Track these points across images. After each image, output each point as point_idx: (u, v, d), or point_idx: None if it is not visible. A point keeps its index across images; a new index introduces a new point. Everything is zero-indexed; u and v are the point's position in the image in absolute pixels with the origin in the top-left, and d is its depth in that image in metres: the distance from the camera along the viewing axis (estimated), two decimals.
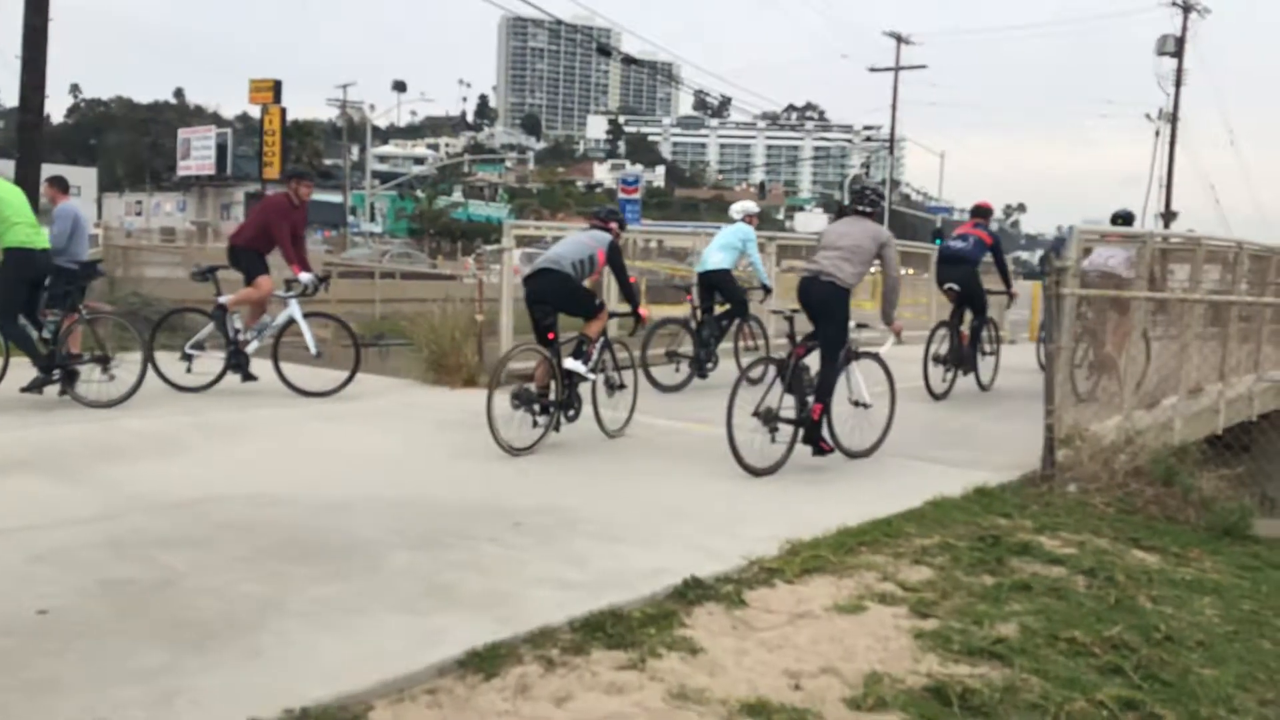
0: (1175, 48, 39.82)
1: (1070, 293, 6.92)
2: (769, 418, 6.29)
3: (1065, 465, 6.49)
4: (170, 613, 3.57)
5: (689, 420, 8.06)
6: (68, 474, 5.59)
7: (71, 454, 6.01)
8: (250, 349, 8.60)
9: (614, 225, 7.52)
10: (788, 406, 6.42)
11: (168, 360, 8.51)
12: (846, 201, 7.74)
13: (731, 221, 10.48)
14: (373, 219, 63.51)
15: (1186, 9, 39.63)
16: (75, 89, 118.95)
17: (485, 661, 3.26)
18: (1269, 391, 10.74)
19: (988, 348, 10.29)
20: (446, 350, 8.87)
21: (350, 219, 58.52)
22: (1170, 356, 8.66)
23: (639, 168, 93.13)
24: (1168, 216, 39.53)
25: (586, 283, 7.44)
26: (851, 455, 6.80)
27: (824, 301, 6.57)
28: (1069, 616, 4.02)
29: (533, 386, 6.91)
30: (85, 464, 5.82)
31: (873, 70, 49.55)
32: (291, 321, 8.64)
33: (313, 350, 8.74)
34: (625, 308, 7.69)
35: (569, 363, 7.02)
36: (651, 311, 9.81)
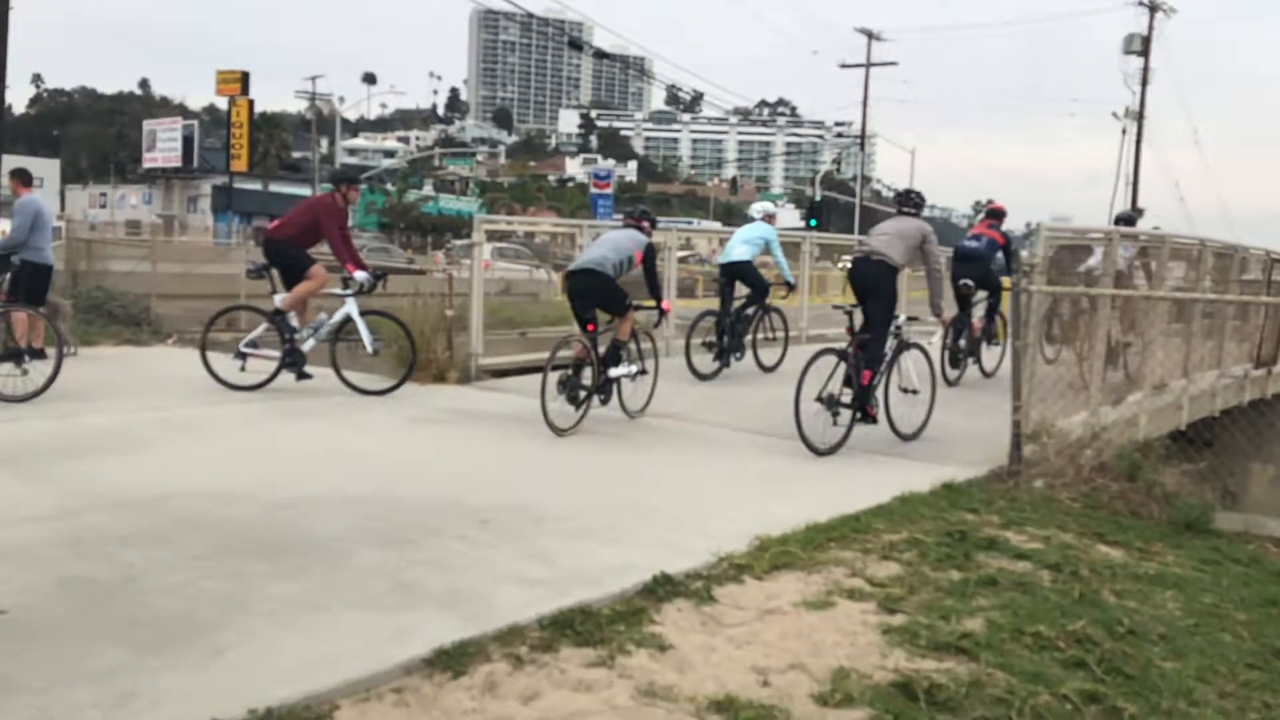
0: (1141, 47, 40.32)
1: (1037, 290, 6.98)
2: (831, 403, 6.86)
3: (1032, 461, 6.55)
4: (130, 612, 3.52)
5: (659, 416, 8.06)
6: (27, 470, 5.49)
7: (31, 450, 5.91)
8: (306, 347, 8.53)
9: (646, 225, 8.16)
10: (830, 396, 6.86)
11: (217, 358, 8.46)
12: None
13: (751, 220, 11.29)
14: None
15: (1153, 8, 40.13)
16: (37, 79, 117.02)
17: (453, 660, 3.24)
18: (1231, 387, 10.91)
19: (997, 339, 10.91)
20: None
21: None
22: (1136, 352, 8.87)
23: (611, 162, 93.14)
24: (1134, 214, 40.00)
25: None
26: (904, 438, 7.40)
27: (876, 278, 7.25)
28: (1034, 611, 4.05)
29: (572, 372, 7.47)
30: (45, 460, 5.72)
31: (844, 66, 49.71)
32: (348, 320, 8.60)
33: (369, 348, 8.70)
34: (650, 301, 8.13)
35: (613, 371, 7.73)
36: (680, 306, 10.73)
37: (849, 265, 7.76)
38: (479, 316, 9.89)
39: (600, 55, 49.60)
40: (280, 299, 8.52)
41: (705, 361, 10.23)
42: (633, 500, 5.44)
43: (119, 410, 7.28)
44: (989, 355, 10.82)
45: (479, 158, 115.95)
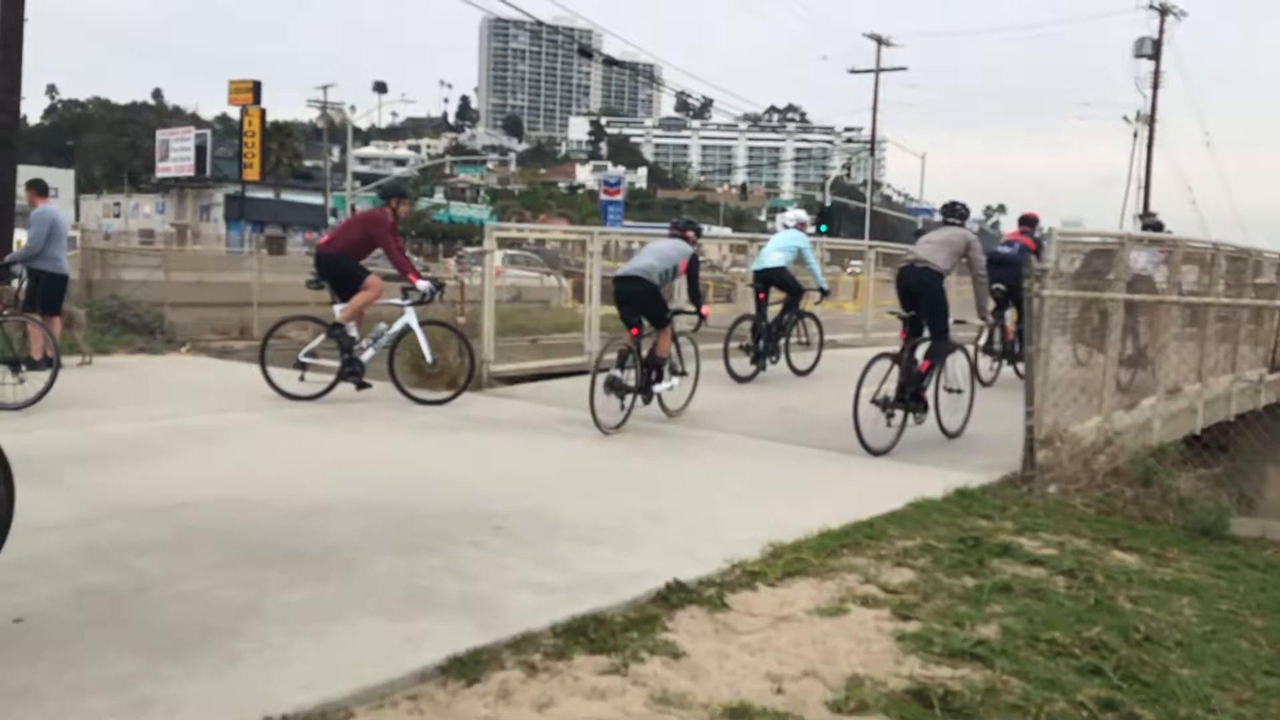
0: (1152, 50, 40.16)
1: (1049, 294, 6.96)
2: (886, 404, 7.17)
3: (1045, 466, 6.52)
4: (146, 619, 3.53)
5: (673, 421, 8.06)
6: (44, 479, 5.51)
7: (47, 459, 5.94)
8: (365, 357, 8.57)
9: (690, 234, 8.49)
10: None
11: (276, 368, 8.51)
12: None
13: (785, 228, 11.71)
14: None
15: (1163, 12, 40.00)
16: (52, 90, 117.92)
17: (467, 667, 3.24)
18: (1246, 392, 10.85)
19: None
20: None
21: (331, 220, 58.19)
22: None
23: (621, 169, 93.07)
24: (1146, 218, 39.82)
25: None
26: (949, 435, 7.80)
27: (923, 284, 7.59)
28: (1049, 617, 4.04)
29: (618, 373, 7.78)
30: (61, 469, 5.75)
31: (853, 72, 49.74)
32: (408, 330, 8.66)
33: (428, 358, 8.80)
34: (690, 307, 8.49)
35: (657, 387, 8.09)
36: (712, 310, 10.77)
37: (897, 274, 8.26)
38: (490, 323, 9.92)
39: (610, 62, 49.67)
40: (338, 311, 8.57)
41: (743, 364, 10.58)
42: (646, 506, 5.43)
43: (134, 418, 7.32)
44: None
45: (489, 165, 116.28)
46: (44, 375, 7.71)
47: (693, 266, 8.29)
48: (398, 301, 8.73)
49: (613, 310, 8.05)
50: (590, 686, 3.19)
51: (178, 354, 12.00)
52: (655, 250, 8.27)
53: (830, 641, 3.68)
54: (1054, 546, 5.11)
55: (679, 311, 8.39)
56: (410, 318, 8.65)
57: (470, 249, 19.27)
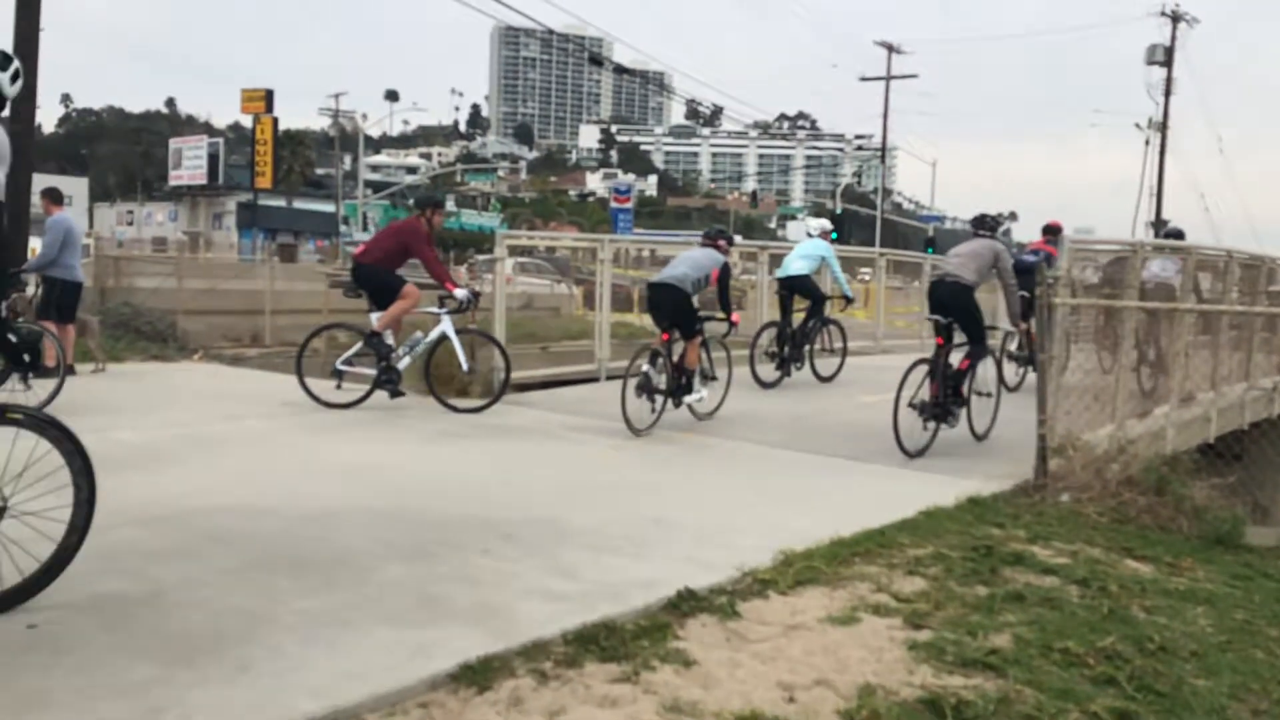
0: (1164, 57, 40.08)
1: (1061, 302, 6.94)
2: (923, 409, 7.46)
3: (1058, 474, 6.49)
4: (159, 626, 3.54)
5: (682, 430, 8.06)
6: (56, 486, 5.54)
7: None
8: (402, 365, 8.61)
9: (723, 244, 8.75)
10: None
11: (311, 374, 8.60)
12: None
13: (809, 236, 11.90)
14: (365, 228, 63.36)
15: (1175, 19, 39.92)
16: (66, 98, 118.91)
17: (478, 675, 3.24)
18: (1260, 400, 10.78)
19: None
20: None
21: (343, 228, 58.42)
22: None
23: (631, 177, 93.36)
24: (1158, 225, 39.70)
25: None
26: (978, 438, 8.08)
27: (954, 298, 7.82)
28: (1062, 627, 4.01)
29: (650, 372, 7.95)
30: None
31: (864, 79, 49.71)
32: (444, 338, 8.72)
33: (464, 366, 8.87)
34: (721, 314, 8.68)
35: (687, 398, 8.29)
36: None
37: (928, 287, 8.62)
38: (502, 331, 9.93)
39: (620, 70, 49.80)
40: (375, 319, 8.60)
41: (768, 370, 10.86)
42: (656, 514, 5.42)
43: (147, 426, 7.34)
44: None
45: (500, 173, 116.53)
46: (52, 384, 7.74)
47: (724, 275, 8.52)
48: (435, 310, 8.80)
49: (622, 318, 8.12)
50: (601, 695, 3.19)
51: (190, 361, 12.06)
52: (689, 259, 8.51)
53: (842, 650, 3.66)
54: (1067, 555, 5.08)
55: (710, 318, 8.56)
56: (447, 326, 8.71)
57: (481, 257, 19.32)
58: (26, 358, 3.67)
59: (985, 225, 8.39)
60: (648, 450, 7.36)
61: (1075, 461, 6.62)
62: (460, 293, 8.67)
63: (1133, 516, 6.06)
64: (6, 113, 3.81)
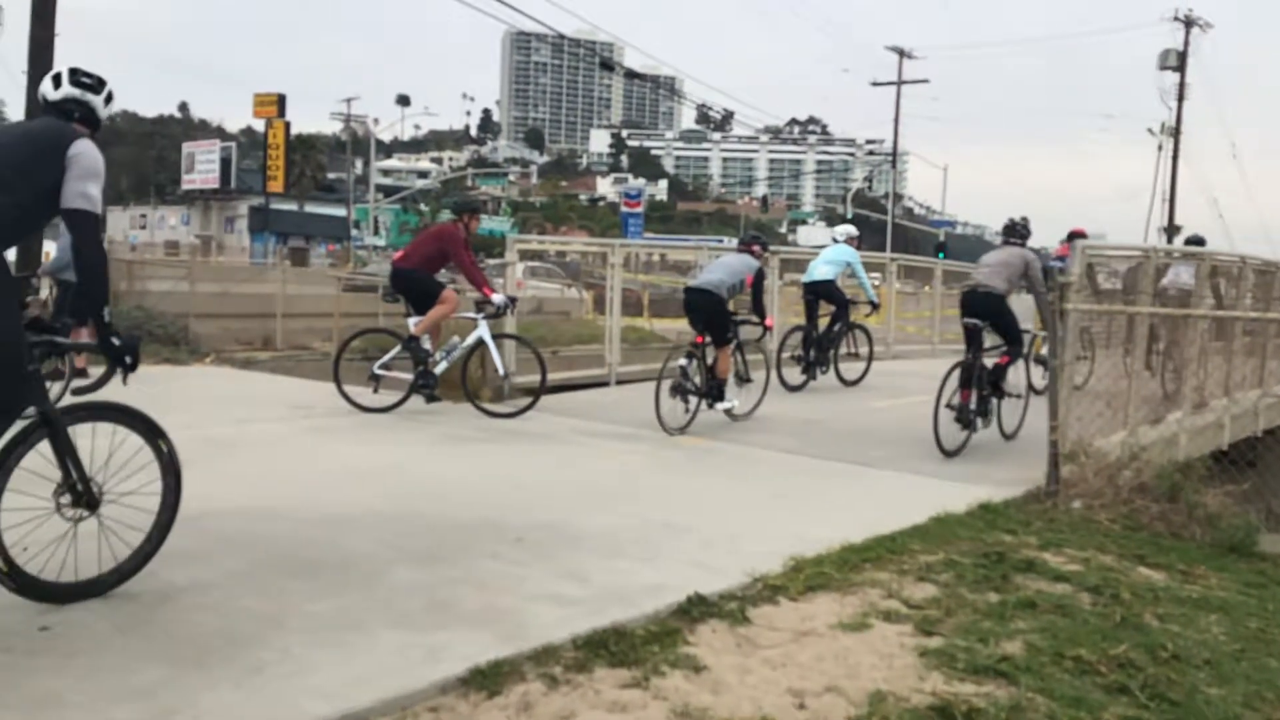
0: (1177, 62, 39.90)
1: (1074, 308, 6.91)
2: (960, 412, 7.74)
3: (1070, 481, 6.46)
4: (170, 629, 3.55)
5: (692, 434, 8.05)
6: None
7: None
8: (439, 370, 8.66)
9: (757, 248, 9.01)
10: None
11: (348, 379, 8.62)
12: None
13: (835, 242, 12.03)
14: (376, 232, 63.64)
15: (1188, 24, 39.75)
16: None
17: (488, 679, 3.24)
18: (1275, 406, 10.71)
19: (1083, 352, 11.22)
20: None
21: (354, 232, 58.63)
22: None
23: (642, 181, 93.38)
24: (1171, 231, 39.53)
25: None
26: (1007, 437, 8.23)
27: (987, 307, 8.01)
28: (1074, 634, 3.99)
29: (687, 366, 8.18)
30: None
31: (875, 85, 49.65)
32: (481, 343, 8.77)
33: (501, 371, 8.94)
34: (755, 318, 8.91)
35: (719, 406, 8.46)
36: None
37: (961, 297, 8.73)
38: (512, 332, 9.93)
39: (631, 75, 49.86)
40: (413, 324, 8.64)
41: (793, 374, 11.02)
42: (666, 519, 5.42)
43: None
44: (1079, 368, 11.04)
45: (511, 178, 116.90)
46: (80, 383, 7.79)
47: (758, 280, 8.73)
48: (472, 315, 8.85)
49: (632, 322, 8.13)
50: (611, 700, 3.19)
51: (202, 364, 12.10)
52: (724, 265, 8.76)
53: (853, 657, 3.65)
54: (1079, 562, 5.05)
55: (745, 321, 8.76)
56: (484, 331, 8.76)
57: (492, 261, 19.33)
58: (128, 360, 3.89)
59: (1015, 233, 8.47)
60: (657, 455, 7.35)
61: (1087, 468, 6.59)
62: (498, 298, 8.73)
63: (1145, 523, 6.02)
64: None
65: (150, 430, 4.05)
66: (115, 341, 3.84)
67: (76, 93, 3.91)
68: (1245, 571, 5.40)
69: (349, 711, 2.96)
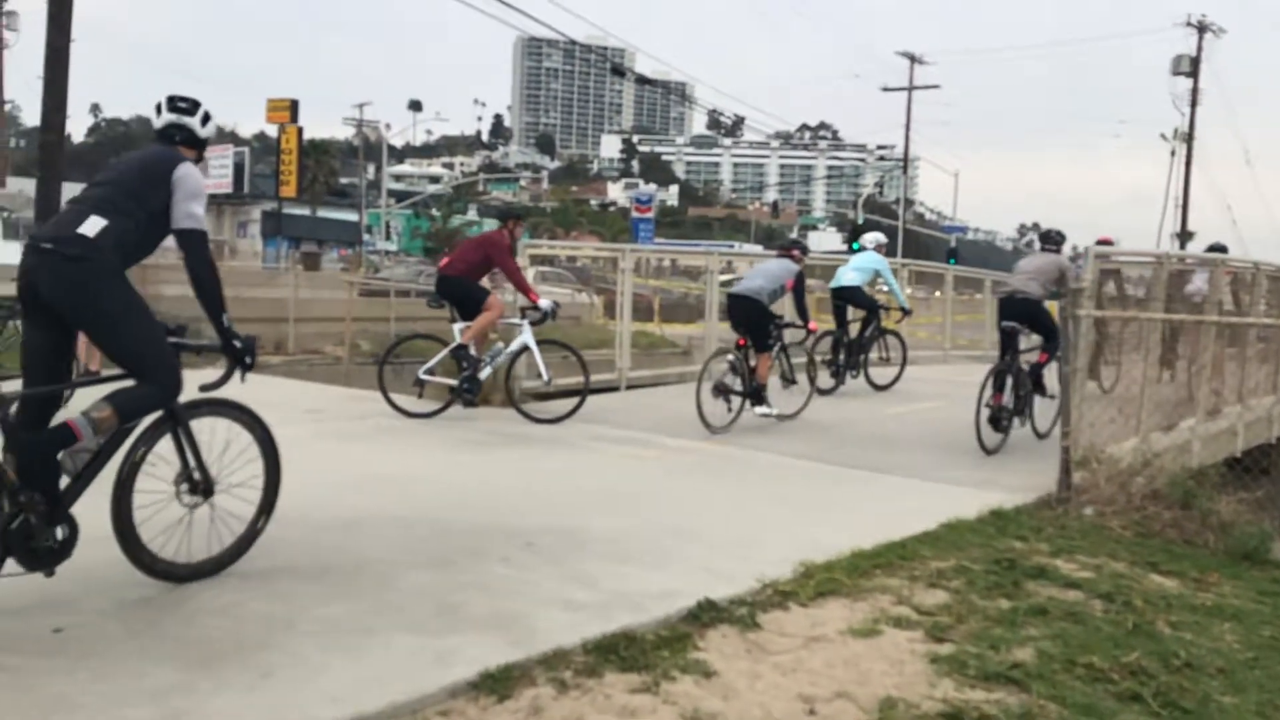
0: (1190, 68, 39.77)
1: (1086, 314, 6.89)
2: (996, 413, 7.99)
3: (1081, 487, 6.43)
4: (181, 632, 3.57)
5: (699, 439, 8.04)
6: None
7: None
8: (483, 375, 8.71)
9: (796, 253, 9.18)
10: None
11: (393, 383, 8.70)
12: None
13: (863, 249, 12.16)
14: (388, 237, 63.80)
15: (1201, 29, 39.62)
16: (96, 108, 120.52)
17: (498, 683, 3.25)
18: None
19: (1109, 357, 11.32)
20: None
21: (366, 237, 58.76)
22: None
23: (653, 187, 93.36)
24: (1184, 237, 39.35)
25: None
26: (1040, 436, 8.41)
27: (1024, 313, 8.29)
28: (1086, 641, 3.97)
29: (729, 369, 8.45)
30: (99, 481, 5.81)
31: (886, 90, 49.65)
32: (525, 348, 8.83)
33: (544, 376, 8.98)
34: (799, 322, 9.11)
35: (758, 410, 8.62)
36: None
37: (998, 303, 8.98)
38: None
39: (642, 81, 49.90)
40: (458, 330, 8.69)
41: (824, 378, 11.10)
42: (676, 524, 5.42)
43: None
44: (1105, 373, 11.04)
45: (522, 183, 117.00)
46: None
47: (799, 284, 8.93)
48: (517, 321, 8.91)
49: (643, 327, 8.18)
50: (621, 705, 3.18)
51: (213, 368, 12.12)
52: (764, 271, 8.93)
53: (863, 663, 3.64)
54: (1091, 569, 5.03)
55: (788, 325, 8.95)
56: (528, 337, 8.81)
57: None
58: (248, 360, 4.34)
59: (1050, 240, 8.70)
60: (668, 460, 7.35)
61: (1099, 474, 6.56)
62: (544, 303, 8.79)
63: (1158, 531, 5.99)
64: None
65: (259, 427, 4.53)
66: (237, 344, 4.26)
67: (174, 118, 4.16)
68: (1259, 579, 5.36)
69: (359, 715, 2.97)
